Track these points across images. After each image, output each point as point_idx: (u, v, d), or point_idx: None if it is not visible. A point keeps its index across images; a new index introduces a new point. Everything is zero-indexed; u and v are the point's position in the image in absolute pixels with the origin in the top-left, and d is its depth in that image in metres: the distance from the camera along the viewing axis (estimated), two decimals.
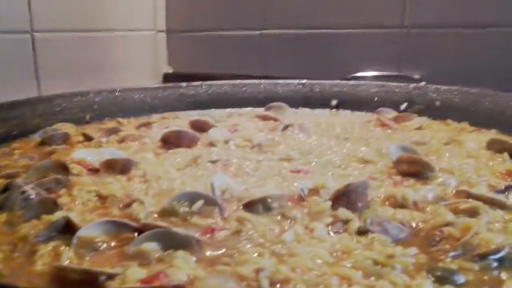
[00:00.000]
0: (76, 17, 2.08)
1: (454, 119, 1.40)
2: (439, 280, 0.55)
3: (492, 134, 1.26)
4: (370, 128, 1.35)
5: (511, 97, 1.34)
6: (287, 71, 1.97)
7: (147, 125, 1.41)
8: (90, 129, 1.39)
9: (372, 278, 0.56)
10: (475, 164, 0.99)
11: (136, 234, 0.68)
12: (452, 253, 0.61)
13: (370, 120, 1.44)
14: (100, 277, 0.55)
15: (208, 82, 1.75)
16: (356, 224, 0.69)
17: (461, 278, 0.56)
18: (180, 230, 0.66)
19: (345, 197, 0.75)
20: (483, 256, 0.60)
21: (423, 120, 1.38)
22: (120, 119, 1.53)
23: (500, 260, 0.59)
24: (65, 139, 1.25)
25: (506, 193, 0.83)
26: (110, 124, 1.48)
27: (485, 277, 0.57)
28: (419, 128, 1.33)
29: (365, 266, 0.59)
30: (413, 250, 0.62)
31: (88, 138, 1.25)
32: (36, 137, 1.28)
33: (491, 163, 0.99)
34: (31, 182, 0.86)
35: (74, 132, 1.32)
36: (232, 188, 0.82)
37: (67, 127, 1.37)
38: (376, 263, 0.59)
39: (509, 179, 0.89)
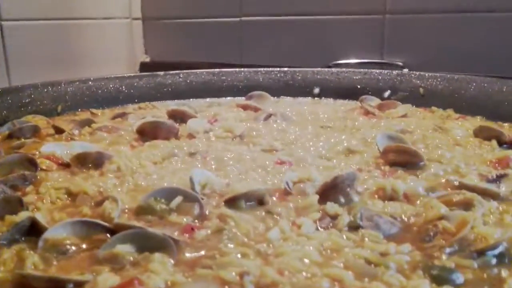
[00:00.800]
0: (47, 4, 1.98)
1: (438, 106, 1.38)
2: (436, 280, 0.52)
3: (478, 121, 1.23)
4: (354, 116, 1.32)
5: (496, 83, 1.31)
6: (267, 59, 1.92)
7: (122, 116, 1.35)
8: (61, 121, 1.32)
9: (366, 279, 0.52)
10: (464, 153, 0.96)
11: (108, 235, 0.62)
12: (448, 250, 0.57)
13: (353, 108, 1.40)
14: (67, 285, 0.50)
15: (186, 71, 1.68)
16: (345, 219, 0.65)
17: (459, 277, 0.52)
18: (157, 230, 0.61)
19: (333, 191, 0.71)
20: (481, 252, 0.56)
21: (408, 108, 1.35)
22: (94, 110, 1.46)
23: (498, 256, 0.56)
24: (35, 132, 1.18)
25: (498, 182, 0.80)
26: (83, 115, 1.41)
27: (485, 275, 0.53)
28: (404, 115, 1.30)
29: (357, 266, 0.54)
30: (407, 247, 0.58)
31: (59, 131, 1.18)
32: (4, 130, 1.21)
33: (479, 151, 0.96)
34: None
35: (44, 125, 1.25)
36: (212, 183, 0.77)
37: (37, 119, 1.30)
38: (368, 262, 0.55)
39: (499, 168, 0.86)
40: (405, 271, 0.54)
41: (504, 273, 0.53)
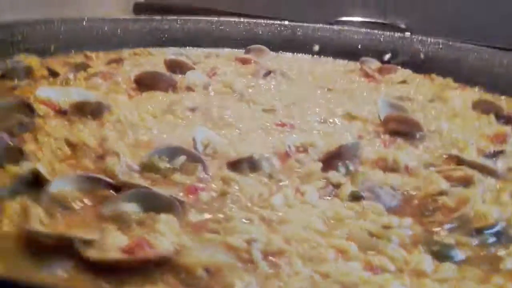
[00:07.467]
0: None
1: (437, 73, 1.36)
2: (437, 255, 0.53)
3: (476, 92, 1.23)
4: (354, 78, 1.30)
5: (498, 53, 1.31)
6: (268, 10, 1.86)
7: (118, 61, 1.31)
8: (55, 63, 1.27)
9: (370, 252, 0.53)
10: (463, 125, 0.96)
11: (112, 191, 0.62)
12: (448, 226, 0.59)
13: (353, 70, 1.39)
14: (76, 243, 0.50)
15: (184, 18, 1.63)
16: (348, 189, 0.66)
17: (458, 254, 0.54)
18: (162, 190, 0.61)
19: (336, 159, 0.71)
20: (480, 230, 0.58)
21: (407, 73, 1.34)
22: (88, 53, 1.42)
23: (496, 235, 0.58)
24: (28, 73, 1.14)
25: (495, 158, 0.81)
26: (77, 58, 1.37)
27: (482, 253, 0.55)
28: (403, 81, 1.29)
29: (360, 238, 0.56)
30: (409, 220, 0.60)
31: (53, 74, 1.14)
32: None
33: (478, 125, 0.97)
34: None
35: (37, 66, 1.21)
36: (215, 142, 0.77)
37: (30, 60, 1.25)
38: (371, 234, 0.56)
39: (497, 143, 0.87)
40: (406, 246, 0.55)
41: (501, 252, 0.55)
